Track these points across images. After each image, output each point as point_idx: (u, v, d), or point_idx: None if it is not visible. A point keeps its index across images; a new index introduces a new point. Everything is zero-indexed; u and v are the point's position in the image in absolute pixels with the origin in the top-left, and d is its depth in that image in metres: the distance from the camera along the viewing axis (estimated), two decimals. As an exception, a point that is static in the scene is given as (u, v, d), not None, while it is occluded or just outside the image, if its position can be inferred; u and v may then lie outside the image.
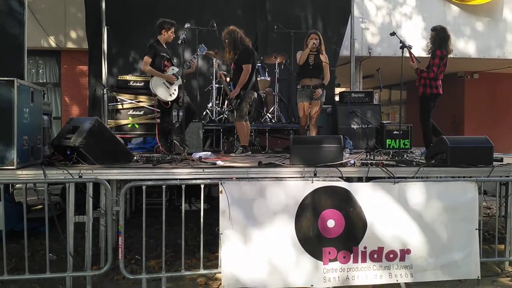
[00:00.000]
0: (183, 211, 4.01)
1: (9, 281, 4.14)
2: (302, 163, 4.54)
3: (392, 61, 9.97)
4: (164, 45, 6.23)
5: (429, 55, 6.45)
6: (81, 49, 10.00)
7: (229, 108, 6.37)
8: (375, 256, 4.07)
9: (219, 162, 4.74)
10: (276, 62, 8.20)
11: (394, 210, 4.12)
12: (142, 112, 7.04)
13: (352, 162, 4.69)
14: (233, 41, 6.23)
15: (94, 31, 8.72)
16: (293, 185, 4.05)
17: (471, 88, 13.75)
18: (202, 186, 3.98)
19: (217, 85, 7.77)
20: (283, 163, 4.65)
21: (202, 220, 4.02)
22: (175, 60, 6.53)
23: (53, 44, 10.29)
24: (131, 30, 8.72)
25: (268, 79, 8.11)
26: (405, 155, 5.35)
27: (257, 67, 6.83)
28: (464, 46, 11.25)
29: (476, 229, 4.20)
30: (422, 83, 6.46)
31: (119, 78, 7.18)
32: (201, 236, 4.04)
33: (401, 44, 5.58)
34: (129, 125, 7.02)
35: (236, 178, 4.15)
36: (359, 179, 4.61)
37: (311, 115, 6.69)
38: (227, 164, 4.71)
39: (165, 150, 5.88)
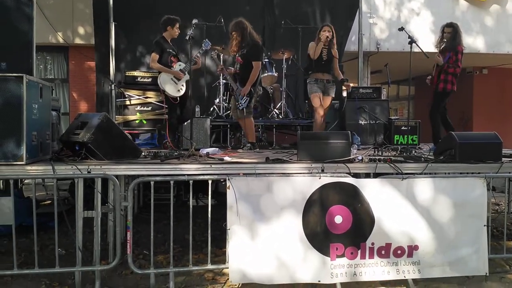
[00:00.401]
0: (190, 206, 4.02)
1: (19, 275, 4.19)
2: (310, 159, 4.53)
3: (400, 56, 9.90)
4: (169, 42, 6.24)
5: (439, 51, 6.44)
6: (89, 45, 10.02)
7: (237, 105, 6.25)
8: (383, 252, 4.07)
9: (227, 158, 4.75)
10: (284, 58, 8.19)
11: (402, 206, 4.11)
12: (150, 108, 7.07)
13: (360, 158, 4.68)
14: (242, 33, 6.17)
15: (101, 27, 8.75)
16: (300, 181, 4.05)
17: (480, 83, 13.64)
18: (210, 182, 4.00)
19: (224, 81, 7.77)
20: (291, 159, 4.65)
21: (209, 216, 4.03)
22: (182, 56, 6.55)
23: (61, 40, 10.32)
24: (138, 26, 8.74)
25: (276, 74, 8.10)
26: (413, 151, 5.32)
27: (264, 62, 6.82)
28: (473, 41, 11.15)
29: (485, 225, 4.19)
30: (443, 78, 6.50)
31: (126, 74, 7.21)
32: (209, 231, 4.05)
33: (409, 39, 5.54)
34: (137, 121, 7.05)
35: (244, 174, 4.15)
36: (367, 175, 4.61)
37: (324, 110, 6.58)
38: (235, 160, 4.72)
39: (173, 146, 5.90)
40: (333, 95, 6.68)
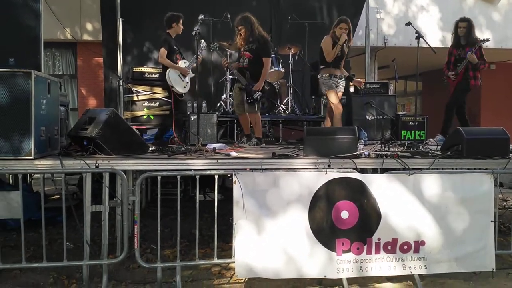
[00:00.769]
0: (197, 201, 4.04)
1: (27, 268, 4.24)
2: (316, 155, 4.53)
3: (408, 51, 9.85)
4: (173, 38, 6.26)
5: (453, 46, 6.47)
6: (97, 41, 10.06)
7: (248, 100, 6.22)
8: (389, 247, 4.07)
9: (233, 153, 4.76)
10: (290, 53, 8.18)
11: (409, 202, 4.10)
12: (157, 104, 7.10)
13: (366, 153, 4.67)
14: (250, 28, 6.14)
15: (109, 23, 8.78)
16: (307, 176, 4.05)
17: (487, 79, 13.50)
18: (216, 177, 4.01)
19: (231, 77, 7.78)
20: (297, 154, 4.65)
21: (216, 211, 4.05)
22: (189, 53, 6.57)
23: (69, 36, 10.38)
24: (146, 22, 8.76)
25: (282, 70, 8.10)
26: (420, 147, 5.30)
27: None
28: (480, 37, 11.04)
29: (492, 221, 4.17)
30: (473, 75, 6.63)
31: (134, 70, 7.25)
32: (215, 226, 4.07)
33: (416, 34, 5.51)
34: (144, 117, 7.08)
35: (250, 169, 4.16)
36: (374, 171, 4.60)
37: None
38: (241, 155, 4.73)
39: (180, 141, 5.92)
40: (343, 91, 6.63)
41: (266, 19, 9.11)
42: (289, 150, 5.31)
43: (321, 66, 6.44)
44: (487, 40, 6.78)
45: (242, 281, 4.17)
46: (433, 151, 4.91)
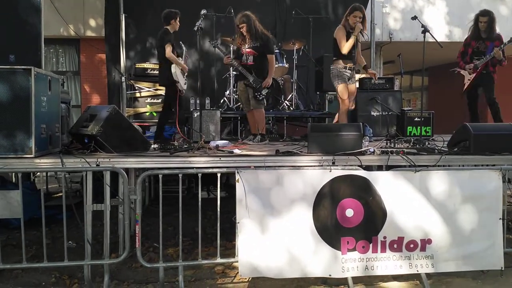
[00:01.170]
0: (199, 199, 3.98)
1: (29, 268, 4.20)
2: (320, 152, 4.46)
3: (414, 46, 9.75)
4: None
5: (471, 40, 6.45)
6: (100, 37, 10.01)
7: (257, 96, 6.21)
8: (395, 246, 3.99)
9: (236, 151, 4.69)
10: (295, 48, 8.10)
11: (415, 199, 4.02)
12: (160, 100, 7.04)
13: (371, 150, 4.59)
14: (253, 26, 6.11)
15: (112, 19, 8.74)
16: (311, 174, 3.98)
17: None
18: (219, 175, 3.94)
19: (234, 73, 7.70)
20: (301, 152, 4.58)
21: (218, 209, 3.98)
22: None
23: (72, 33, 10.33)
24: (149, 17, 8.70)
25: (286, 65, 8.02)
26: (426, 143, 5.22)
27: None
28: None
29: (500, 218, 4.08)
30: (493, 70, 6.58)
31: (136, 66, 7.20)
32: (218, 225, 4.00)
33: (422, 28, 5.41)
34: (147, 113, 7.03)
35: (253, 166, 4.10)
36: (379, 168, 4.52)
37: (351, 100, 6.30)
38: (244, 152, 4.67)
39: (185, 137, 5.88)
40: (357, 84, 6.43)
41: (270, 14, 9.04)
42: (293, 147, 5.24)
43: (334, 58, 6.22)
44: None
45: (245, 280, 4.12)
46: (439, 148, 4.82)
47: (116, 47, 8.68)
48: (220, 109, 7.16)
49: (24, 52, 4.40)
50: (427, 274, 4.07)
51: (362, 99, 7.58)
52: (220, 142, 5.47)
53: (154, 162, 4.13)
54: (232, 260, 4.09)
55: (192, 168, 4.04)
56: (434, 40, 5.62)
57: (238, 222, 3.82)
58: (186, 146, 4.84)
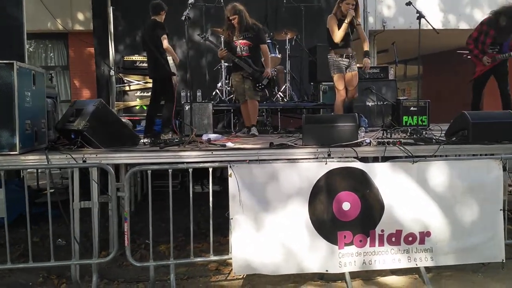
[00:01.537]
0: (191, 195, 3.84)
1: (16, 268, 4.05)
2: (316, 144, 4.33)
3: (408, 34, 9.60)
4: None
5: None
6: (89, 30, 9.81)
7: (259, 86, 6.17)
8: (393, 239, 3.88)
9: (229, 144, 4.55)
10: (287, 38, 7.95)
11: (413, 191, 3.91)
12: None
13: (367, 141, 4.47)
14: (244, 18, 6.04)
15: (100, 11, 8.56)
16: (306, 167, 3.85)
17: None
18: (211, 170, 3.80)
19: (226, 64, 7.56)
20: (296, 144, 4.45)
21: (211, 206, 3.85)
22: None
23: (60, 27, 10.12)
24: (137, 9, 8.48)
25: (279, 56, 7.87)
26: (424, 133, 5.10)
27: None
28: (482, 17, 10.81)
29: (501, 209, 3.98)
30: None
31: (125, 59, 7.03)
32: (211, 222, 3.88)
33: (417, 14, 5.26)
34: (137, 107, 6.88)
35: (247, 160, 3.96)
36: (375, 159, 4.41)
37: (352, 89, 6.18)
38: (237, 146, 4.53)
39: (176, 132, 5.74)
40: (357, 70, 6.23)
41: (261, 4, 8.87)
42: (288, 139, 5.11)
43: (329, 47, 6.13)
44: None
45: (240, 277, 4.00)
46: (437, 137, 4.70)
47: (104, 40, 8.51)
48: (212, 102, 7.02)
49: (6, 45, 4.24)
50: (427, 268, 3.97)
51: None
52: (212, 136, 5.33)
53: (143, 158, 3.98)
54: (225, 257, 3.96)
55: (183, 163, 3.90)
56: (430, 27, 5.49)
57: (232, 218, 3.69)
58: (177, 140, 4.69)
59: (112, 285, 3.97)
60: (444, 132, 5.00)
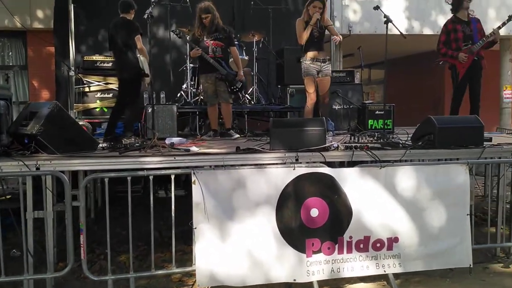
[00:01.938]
0: (151, 205, 3.64)
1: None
2: (283, 148, 4.21)
3: (373, 39, 9.66)
4: None
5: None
6: (48, 29, 9.37)
7: (233, 89, 6.17)
8: (361, 246, 3.80)
9: (194, 149, 4.39)
10: (254, 40, 7.84)
11: (381, 196, 3.85)
12: (111, 95, 6.62)
13: (335, 145, 4.39)
14: (216, 17, 5.98)
15: (60, 9, 8.20)
16: (273, 173, 3.72)
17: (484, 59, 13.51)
18: (173, 177, 3.61)
19: (191, 65, 7.38)
20: (263, 149, 4.32)
21: (173, 214, 3.67)
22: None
23: (18, 25, 9.65)
24: (99, 7, 8.21)
25: (246, 58, 7.75)
26: (390, 137, 5.07)
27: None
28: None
29: (468, 214, 3.96)
30: (483, 54, 6.20)
31: (85, 59, 6.75)
32: (173, 232, 3.69)
33: (385, 19, 5.24)
34: (97, 109, 6.61)
35: (212, 166, 3.81)
36: (343, 164, 4.33)
37: (323, 94, 6.13)
38: (202, 150, 4.36)
39: (135, 135, 5.53)
40: (331, 75, 6.23)
41: (228, 5, 8.73)
42: (255, 143, 4.98)
43: (302, 51, 6.08)
44: None
45: (204, 289, 3.82)
46: (404, 142, 4.67)
47: (65, 39, 8.14)
48: (177, 104, 6.82)
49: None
50: (395, 274, 3.90)
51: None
52: (176, 140, 5.15)
53: (101, 164, 3.75)
54: (189, 269, 3.78)
55: (143, 169, 3.70)
56: (394, 32, 5.48)
57: (195, 228, 3.52)
58: (137, 144, 4.48)
59: (69, 300, 3.74)
60: (410, 136, 4.98)
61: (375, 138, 4.88)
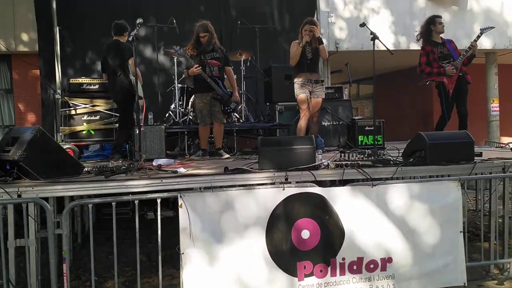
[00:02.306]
0: (137, 229, 3.52)
1: None
2: (272, 167, 4.14)
3: (360, 55, 9.71)
4: None
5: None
6: (34, 51, 9.29)
7: (228, 110, 6.20)
8: (355, 267, 3.71)
9: (181, 170, 4.29)
10: (242, 59, 7.83)
11: (373, 215, 3.78)
12: (98, 117, 6.53)
13: (325, 163, 4.33)
14: (214, 37, 6.04)
15: (45, 32, 8.14)
16: (262, 193, 3.64)
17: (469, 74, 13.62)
18: (159, 201, 3.51)
19: (180, 85, 7.34)
20: (252, 168, 4.24)
21: (159, 239, 3.55)
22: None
23: (3, 48, 9.58)
24: (86, 30, 8.18)
25: (234, 77, 7.70)
26: (381, 153, 5.02)
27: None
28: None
29: (461, 231, 3.90)
30: (466, 70, 6.28)
31: (71, 82, 6.67)
32: (159, 257, 3.56)
33: (371, 36, 5.25)
34: (84, 132, 6.51)
35: (201, 188, 3.72)
36: (334, 182, 4.26)
37: (312, 113, 6.14)
38: (190, 171, 4.28)
39: (123, 157, 5.46)
40: (323, 96, 6.26)
41: (215, 25, 8.65)
42: (244, 162, 4.90)
43: (295, 72, 6.16)
44: (493, 27, 6.43)
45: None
46: (395, 158, 4.62)
47: (51, 62, 8.06)
48: (165, 124, 6.75)
49: None
50: (389, 295, 3.81)
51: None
52: (163, 161, 5.05)
53: (85, 189, 3.64)
54: (177, 296, 3.67)
55: (128, 194, 3.59)
56: (381, 48, 5.48)
57: (182, 253, 3.41)
58: (124, 167, 4.39)
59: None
60: (401, 152, 4.93)
61: (366, 155, 4.83)
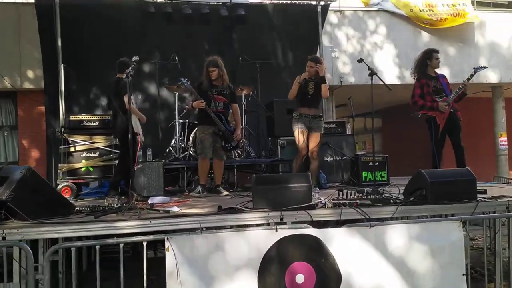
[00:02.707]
0: (121, 275, 3.37)
1: None
2: (267, 207, 4.01)
3: (365, 89, 9.62)
4: None
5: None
6: (39, 88, 9.38)
7: (228, 147, 6.18)
8: (353, 313, 3.53)
9: (174, 209, 4.19)
10: (243, 94, 7.80)
11: (372, 258, 3.63)
12: (97, 154, 6.49)
13: (323, 202, 4.20)
14: (223, 72, 6.04)
15: (50, 69, 8.22)
16: (254, 235, 3.52)
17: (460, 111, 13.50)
18: (145, 244, 3.38)
19: (180, 121, 7.30)
20: (246, 208, 4.12)
21: (145, 284, 3.40)
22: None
23: (8, 85, 9.67)
24: (90, 67, 8.25)
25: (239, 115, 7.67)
26: (381, 190, 4.87)
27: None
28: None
29: (464, 274, 3.71)
30: (457, 106, 6.24)
31: (70, 119, 6.67)
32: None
33: (369, 71, 5.20)
34: (83, 169, 6.46)
35: (188, 231, 3.58)
36: (332, 222, 4.12)
37: (311, 149, 6.06)
38: (183, 210, 4.17)
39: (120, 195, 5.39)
40: (322, 131, 6.17)
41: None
42: (240, 200, 4.79)
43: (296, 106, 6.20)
44: (486, 67, 6.48)
45: None
46: (395, 197, 4.47)
47: (56, 98, 8.11)
48: (164, 160, 6.67)
49: None
50: None
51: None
52: (158, 199, 4.96)
53: (71, 230, 3.52)
54: None
55: (113, 236, 3.47)
56: (386, 82, 5.42)
57: (169, 300, 3.27)
58: (117, 206, 4.29)
59: None
60: (402, 190, 4.78)
61: (365, 194, 4.68)
